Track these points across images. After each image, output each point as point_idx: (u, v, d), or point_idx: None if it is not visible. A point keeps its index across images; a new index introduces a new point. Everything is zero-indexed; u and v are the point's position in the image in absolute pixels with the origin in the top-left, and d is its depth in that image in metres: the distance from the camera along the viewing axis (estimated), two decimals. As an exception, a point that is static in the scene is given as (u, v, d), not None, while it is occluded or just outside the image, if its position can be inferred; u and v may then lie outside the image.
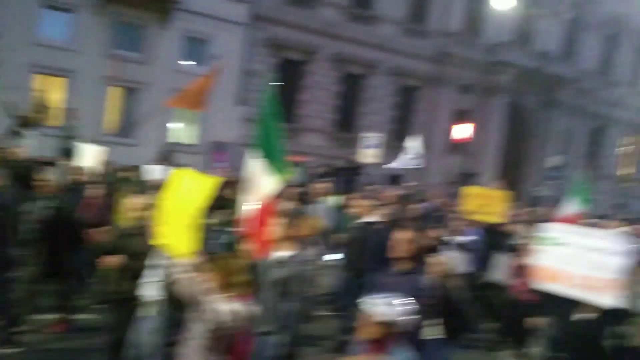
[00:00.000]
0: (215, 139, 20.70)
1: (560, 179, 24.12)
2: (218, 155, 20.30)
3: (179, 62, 20.01)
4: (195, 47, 20.40)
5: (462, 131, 23.74)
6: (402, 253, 4.26)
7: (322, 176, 18.68)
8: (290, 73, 22.48)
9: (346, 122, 23.75)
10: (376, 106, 24.06)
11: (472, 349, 7.21)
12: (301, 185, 13.83)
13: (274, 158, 5.72)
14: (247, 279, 3.92)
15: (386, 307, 3.28)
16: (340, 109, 23.49)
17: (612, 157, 30.79)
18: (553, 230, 5.36)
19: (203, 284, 3.73)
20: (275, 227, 5.00)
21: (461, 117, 25.24)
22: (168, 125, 19.78)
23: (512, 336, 7.24)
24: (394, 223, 8.63)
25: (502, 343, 7.58)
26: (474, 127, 25.09)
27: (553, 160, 24.11)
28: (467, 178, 23.76)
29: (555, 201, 23.63)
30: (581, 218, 9.47)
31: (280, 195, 5.77)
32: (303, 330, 5.09)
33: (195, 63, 20.31)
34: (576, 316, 4.90)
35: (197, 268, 3.85)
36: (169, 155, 15.29)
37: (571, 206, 9.76)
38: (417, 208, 9.93)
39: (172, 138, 20.44)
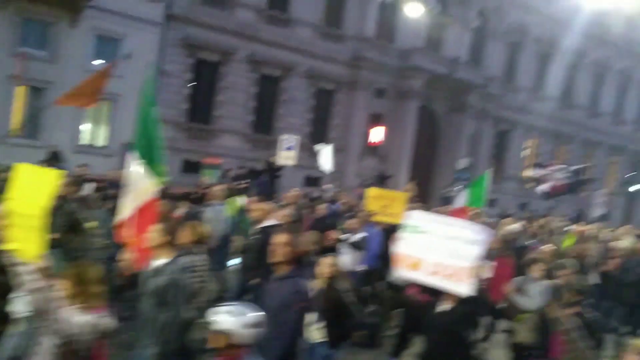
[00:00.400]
0: (127, 141, 20.19)
1: (468, 180, 25.33)
2: (130, 157, 19.85)
3: (89, 61, 19.38)
4: (107, 46, 19.80)
5: (377, 134, 24.43)
6: (279, 257, 4.15)
7: (238, 178, 18.74)
8: (206, 74, 22.30)
9: (263, 124, 23.82)
10: (293, 108, 24.29)
11: (368, 348, 7.27)
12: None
13: (151, 158, 5.38)
14: (103, 289, 3.70)
15: (227, 316, 3.18)
16: (257, 110, 23.53)
17: (516, 160, 32.53)
18: (415, 219, 5.27)
19: (52, 293, 3.43)
20: (153, 233, 4.66)
21: (376, 120, 25.96)
22: (79, 126, 19.14)
23: (410, 335, 7.21)
24: (293, 225, 8.82)
25: (402, 342, 7.57)
26: (388, 130, 25.91)
27: (461, 162, 25.24)
28: (382, 180, 24.49)
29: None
30: (468, 212, 9.85)
31: (160, 198, 5.52)
32: (185, 341, 4.66)
33: (106, 62, 19.76)
34: (438, 308, 4.97)
35: (44, 274, 3.49)
36: (59, 156, 14.87)
37: (462, 200, 10.16)
38: (322, 209, 10.15)
39: (82, 139, 19.81)
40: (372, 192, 9.97)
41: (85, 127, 19.37)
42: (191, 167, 20.92)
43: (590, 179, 13.06)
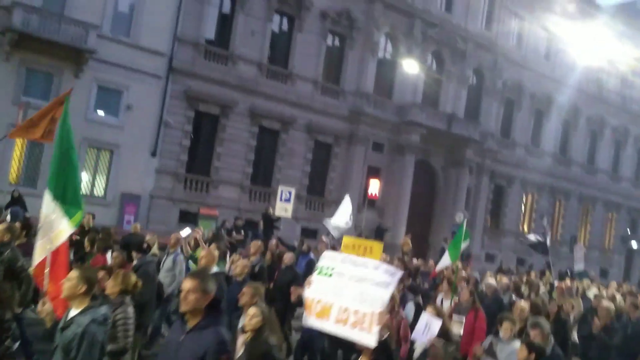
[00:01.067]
0: (127, 191, 20.31)
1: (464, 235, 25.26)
2: (129, 208, 19.92)
3: (92, 112, 19.71)
4: (109, 97, 20.22)
5: (374, 187, 24.54)
6: (187, 306, 3.72)
7: (236, 229, 18.76)
8: (207, 126, 22.64)
9: (261, 176, 23.99)
10: (292, 161, 24.52)
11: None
12: (214, 237, 13.79)
13: (65, 199, 5.11)
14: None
15: None
16: (255, 162, 23.73)
17: (514, 215, 32.55)
18: (328, 259, 4.69)
19: None
20: (67, 282, 4.24)
21: (374, 174, 26.13)
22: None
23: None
24: (252, 274, 8.53)
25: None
26: (386, 184, 26.04)
27: (458, 216, 25.25)
28: (380, 233, 24.47)
29: (462, 255, 24.70)
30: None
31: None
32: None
33: (109, 114, 20.13)
34: None
35: None
36: (20, 200, 15.03)
37: (446, 260, 10.10)
38: (288, 259, 9.91)
39: (81, 189, 19.89)
40: (346, 240, 9.70)
41: (84, 177, 19.48)
42: (188, 218, 20.94)
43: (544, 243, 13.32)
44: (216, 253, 8.11)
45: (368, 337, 4.04)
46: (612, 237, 38.00)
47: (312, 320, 4.46)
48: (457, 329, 7.82)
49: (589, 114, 35.69)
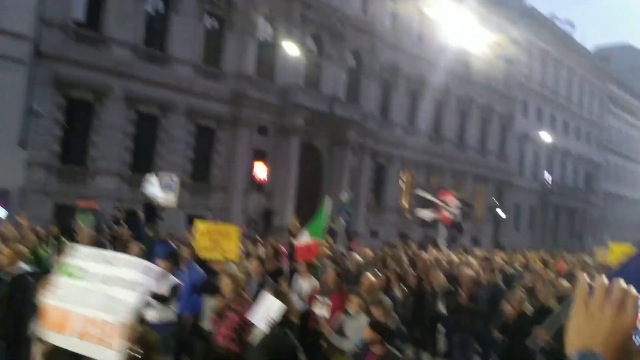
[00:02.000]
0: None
1: (350, 213, 26.07)
2: (-4, 203, 18.35)
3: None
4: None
5: (260, 171, 24.55)
6: None
7: (117, 221, 17.90)
8: (80, 113, 21.33)
9: (142, 164, 23.03)
10: (173, 147, 23.79)
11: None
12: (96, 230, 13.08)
13: None
14: None
15: None
16: (135, 150, 22.77)
17: (394, 192, 33.99)
18: (75, 256, 3.73)
19: None
20: None
21: (259, 157, 26.10)
22: None
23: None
24: None
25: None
26: (272, 167, 26.12)
27: (343, 196, 25.92)
28: (268, 216, 24.58)
29: (348, 233, 25.44)
30: (316, 247, 9.40)
31: None
32: None
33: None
34: None
35: None
36: None
37: (305, 236, 9.46)
38: (136, 250, 9.27)
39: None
40: (200, 226, 9.04)
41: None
42: (65, 212, 19.70)
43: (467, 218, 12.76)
44: (17, 249, 6.85)
45: (110, 355, 3.19)
46: (482, 207, 40.88)
47: (46, 333, 3.53)
48: (321, 311, 7.43)
49: (459, 93, 37.93)
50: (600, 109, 55.91)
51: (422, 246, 21.27)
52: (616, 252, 12.55)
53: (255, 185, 25.89)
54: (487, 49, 36.71)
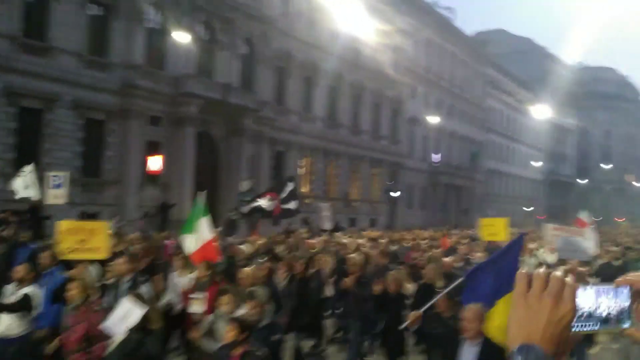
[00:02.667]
0: None
1: (251, 202, 25.97)
2: None
3: None
4: None
5: (155, 163, 23.83)
6: None
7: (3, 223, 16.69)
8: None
9: (26, 161, 21.54)
10: (60, 142, 22.49)
11: None
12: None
13: None
14: None
15: None
16: (18, 146, 21.26)
17: (295, 178, 34.23)
18: None
19: None
20: None
21: (154, 149, 25.32)
22: None
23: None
24: None
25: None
26: (168, 158, 25.43)
27: (243, 185, 25.79)
28: (165, 209, 23.93)
29: (249, 223, 25.36)
30: (210, 244, 8.78)
31: None
32: None
33: None
34: None
35: None
36: None
37: (188, 240, 8.87)
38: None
39: None
40: (65, 225, 8.16)
41: None
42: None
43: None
44: None
45: None
46: (378, 189, 42.32)
47: None
48: (198, 307, 7.05)
49: (351, 80, 38.84)
50: (481, 91, 59.48)
51: (312, 231, 21.66)
52: (487, 226, 13.28)
53: (151, 177, 25.11)
54: (375, 35, 37.75)
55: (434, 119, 45.76)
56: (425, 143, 48.95)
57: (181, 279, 8.08)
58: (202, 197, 9.50)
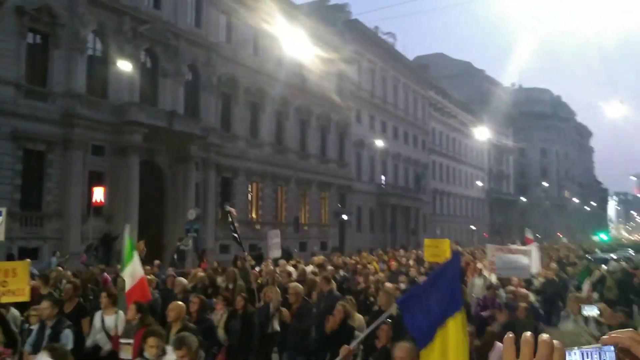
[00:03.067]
0: None
1: (198, 231, 25.66)
2: None
3: None
4: None
5: (98, 194, 23.15)
6: None
7: None
8: None
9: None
10: (-3, 175, 21.63)
11: None
12: None
13: None
14: None
15: None
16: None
17: (242, 204, 33.93)
18: None
19: None
20: None
21: (96, 179, 24.64)
22: None
23: None
24: None
25: None
26: (112, 189, 24.78)
27: (190, 213, 25.40)
28: (108, 241, 23.23)
29: (199, 252, 24.97)
30: (143, 281, 8.44)
31: None
32: None
33: None
34: None
35: None
36: None
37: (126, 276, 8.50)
38: None
39: None
40: None
41: None
42: None
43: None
44: None
45: None
46: (327, 212, 42.48)
47: None
48: (126, 353, 6.59)
49: (297, 104, 39.09)
50: (423, 113, 60.95)
51: (258, 258, 21.32)
52: (430, 247, 13.43)
53: (94, 209, 24.36)
54: (319, 61, 38.25)
55: (379, 142, 46.54)
56: (372, 165, 49.60)
57: (108, 318, 7.65)
58: (127, 230, 9.16)
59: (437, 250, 12.90)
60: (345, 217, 43.14)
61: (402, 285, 11.16)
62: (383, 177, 50.83)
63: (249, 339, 8.17)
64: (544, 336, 1.00)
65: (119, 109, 25.70)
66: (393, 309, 5.75)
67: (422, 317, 4.46)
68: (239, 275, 11.67)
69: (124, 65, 25.12)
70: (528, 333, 1.02)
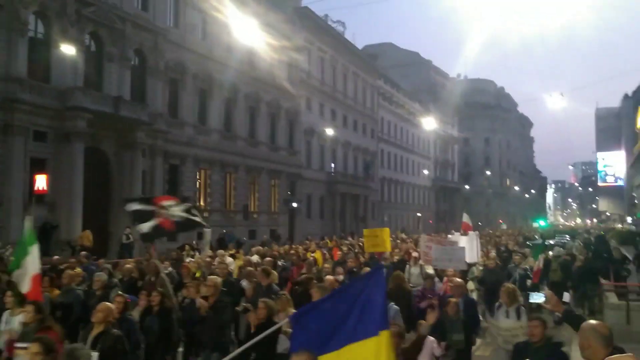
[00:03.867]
0: None
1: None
2: None
3: None
4: None
5: (41, 181, 22.38)
6: None
7: None
8: None
9: None
10: None
11: None
12: None
13: None
14: None
15: None
16: None
17: (191, 192, 33.50)
18: None
19: None
20: None
21: (39, 166, 23.83)
22: None
23: None
24: None
25: None
26: (55, 176, 24.02)
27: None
28: (48, 230, 22.55)
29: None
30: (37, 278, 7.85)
31: None
32: None
33: None
34: None
35: None
36: None
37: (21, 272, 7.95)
38: None
39: None
40: None
41: None
42: None
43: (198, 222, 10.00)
44: None
45: None
46: (277, 200, 42.48)
47: None
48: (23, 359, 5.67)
49: (247, 91, 38.76)
50: (372, 102, 61.53)
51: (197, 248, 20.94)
52: (370, 237, 12.58)
53: (37, 197, 23.56)
54: (269, 48, 38.00)
55: (329, 130, 46.75)
56: (322, 153, 49.81)
57: (14, 319, 7.05)
58: (28, 222, 8.52)
59: (377, 239, 12.16)
60: (295, 204, 43.26)
61: (340, 277, 10.97)
62: (332, 165, 51.16)
63: (167, 337, 7.83)
64: None
65: (63, 94, 24.90)
66: (285, 323, 5.28)
67: (320, 333, 4.02)
68: (161, 268, 10.57)
69: (68, 49, 24.31)
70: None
